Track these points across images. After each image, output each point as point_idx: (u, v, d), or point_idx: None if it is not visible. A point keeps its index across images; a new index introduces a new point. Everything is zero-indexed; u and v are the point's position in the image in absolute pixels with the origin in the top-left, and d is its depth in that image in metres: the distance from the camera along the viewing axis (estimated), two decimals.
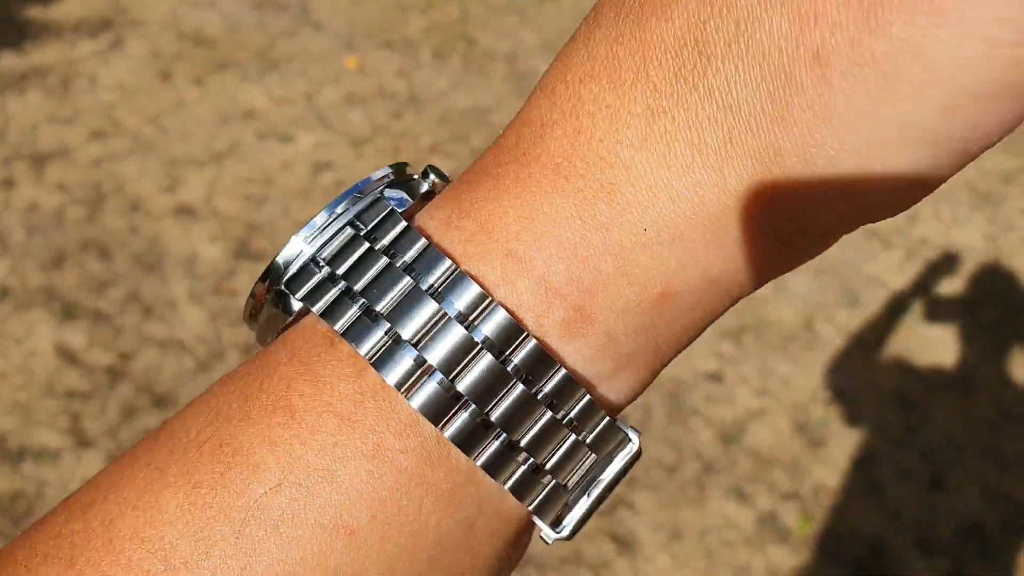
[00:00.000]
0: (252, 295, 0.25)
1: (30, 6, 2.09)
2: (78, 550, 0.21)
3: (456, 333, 0.21)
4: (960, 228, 1.86)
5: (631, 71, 0.21)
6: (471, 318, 0.21)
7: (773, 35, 0.19)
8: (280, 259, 0.24)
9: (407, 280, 0.22)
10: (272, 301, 0.23)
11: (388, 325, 0.21)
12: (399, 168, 0.25)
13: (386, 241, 0.22)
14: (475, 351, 0.21)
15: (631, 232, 0.21)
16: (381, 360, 0.21)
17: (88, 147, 1.80)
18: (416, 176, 0.25)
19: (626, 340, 0.22)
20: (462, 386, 0.21)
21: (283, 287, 0.23)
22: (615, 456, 0.24)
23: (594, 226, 0.21)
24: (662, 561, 1.28)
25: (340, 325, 0.21)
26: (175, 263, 1.61)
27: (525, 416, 0.22)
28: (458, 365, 0.21)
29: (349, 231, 0.23)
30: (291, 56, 2.06)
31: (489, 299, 0.21)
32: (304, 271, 0.23)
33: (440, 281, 0.21)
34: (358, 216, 0.23)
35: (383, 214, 0.23)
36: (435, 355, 0.21)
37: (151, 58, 2.01)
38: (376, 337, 0.21)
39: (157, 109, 1.89)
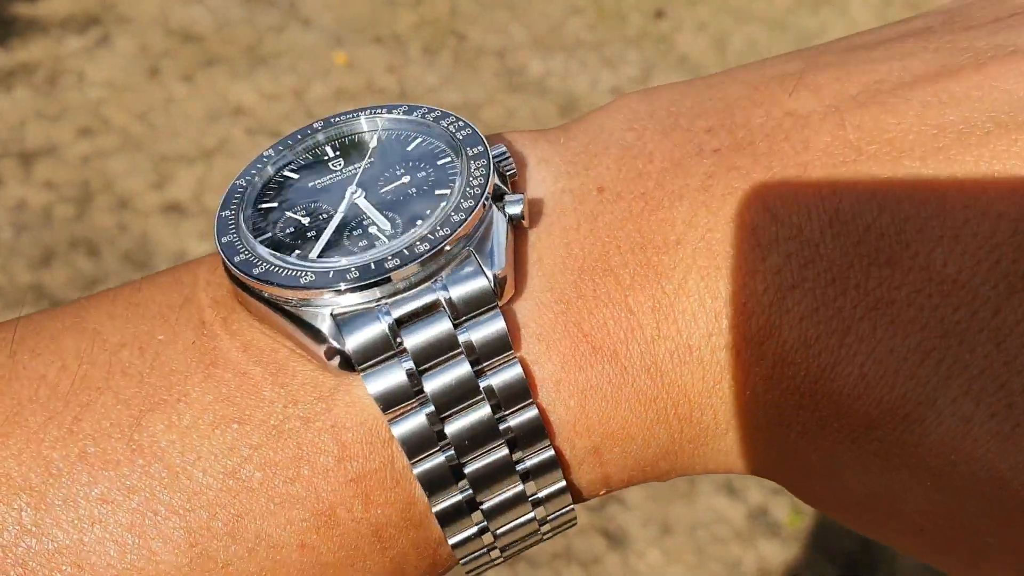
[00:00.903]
0: (243, 283, 0.22)
1: (16, 2, 2.08)
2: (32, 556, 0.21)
3: (524, 510, 0.22)
4: None
5: (784, 391, 0.21)
6: (540, 492, 0.22)
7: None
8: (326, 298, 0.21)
9: (491, 425, 0.21)
10: (307, 326, 0.21)
11: (454, 456, 0.21)
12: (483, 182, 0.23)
13: (484, 363, 0.21)
14: (533, 531, 0.23)
15: (689, 463, 0.23)
16: (447, 517, 0.21)
17: (76, 144, 1.79)
18: (505, 198, 0.23)
19: (616, 486, 0.24)
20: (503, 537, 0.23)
21: (334, 322, 0.20)
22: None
23: (671, 455, 0.23)
24: (653, 556, 1.28)
25: (424, 478, 0.21)
26: (164, 261, 1.60)
27: None
28: (508, 519, 0.22)
29: (430, 296, 0.21)
30: (280, 52, 2.06)
31: (563, 485, 0.22)
32: (367, 321, 0.20)
33: (528, 447, 0.22)
34: (450, 288, 0.21)
35: (495, 334, 0.21)
36: (486, 497, 0.22)
37: (139, 55, 2.00)
38: (447, 483, 0.21)
39: (146, 106, 1.88)
